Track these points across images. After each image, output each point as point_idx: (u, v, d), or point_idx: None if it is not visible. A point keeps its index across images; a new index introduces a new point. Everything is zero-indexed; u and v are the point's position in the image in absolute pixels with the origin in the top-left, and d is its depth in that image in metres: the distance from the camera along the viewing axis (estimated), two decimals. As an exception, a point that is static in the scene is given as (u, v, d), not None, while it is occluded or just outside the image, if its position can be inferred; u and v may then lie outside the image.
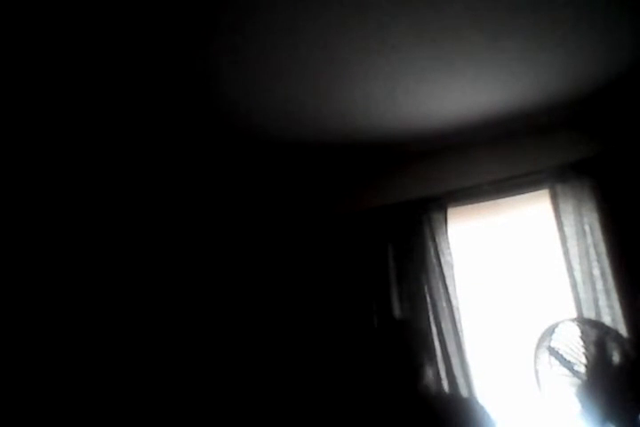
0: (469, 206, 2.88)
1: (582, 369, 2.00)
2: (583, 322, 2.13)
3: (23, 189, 2.79)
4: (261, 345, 3.00)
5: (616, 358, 1.98)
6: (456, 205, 2.86)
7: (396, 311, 2.78)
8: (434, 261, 2.77)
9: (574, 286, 2.53)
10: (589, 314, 2.45)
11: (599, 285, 2.48)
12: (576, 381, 2.01)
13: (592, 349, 2.00)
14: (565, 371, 2.04)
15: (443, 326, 2.67)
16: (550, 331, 2.09)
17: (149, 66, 2.12)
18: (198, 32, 1.95)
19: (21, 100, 2.22)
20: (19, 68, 2.04)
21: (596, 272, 2.50)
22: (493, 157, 2.83)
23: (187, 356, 3.01)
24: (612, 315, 2.43)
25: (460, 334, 2.65)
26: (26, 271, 2.91)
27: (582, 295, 2.50)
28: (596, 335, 2.02)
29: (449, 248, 2.78)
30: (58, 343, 2.89)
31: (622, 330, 2.34)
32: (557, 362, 2.05)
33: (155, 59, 2.09)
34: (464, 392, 2.56)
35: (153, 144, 2.69)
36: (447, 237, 2.79)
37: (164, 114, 2.45)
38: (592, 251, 2.53)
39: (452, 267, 2.75)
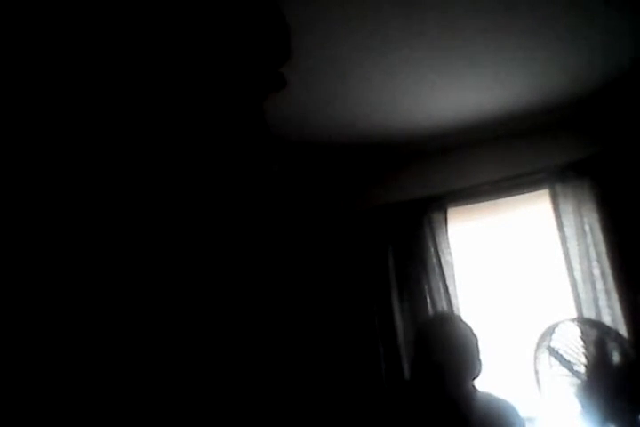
0: (469, 206, 2.88)
1: (582, 369, 2.00)
2: (583, 322, 2.13)
3: (25, 189, 2.79)
4: (259, 345, 3.00)
5: (616, 358, 1.98)
6: (456, 205, 2.86)
7: (396, 311, 2.78)
8: (434, 261, 2.77)
9: (574, 286, 2.53)
10: (589, 314, 2.45)
11: (599, 285, 2.48)
12: (576, 381, 2.01)
13: (592, 349, 2.00)
14: (565, 371, 2.03)
15: (443, 326, 2.67)
16: (550, 331, 2.08)
17: (153, 69, 2.13)
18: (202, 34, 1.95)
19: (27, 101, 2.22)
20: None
21: (596, 272, 2.50)
22: (493, 157, 2.83)
23: (185, 354, 3.01)
24: (611, 315, 2.43)
25: (460, 334, 2.65)
26: (26, 272, 2.91)
27: (582, 295, 2.50)
28: (596, 335, 2.01)
29: (449, 248, 2.78)
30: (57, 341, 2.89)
31: (622, 330, 2.34)
32: (557, 362, 2.05)
33: (158, 61, 2.09)
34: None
35: (157, 146, 2.69)
36: (447, 237, 2.79)
37: (168, 114, 2.45)
38: (592, 251, 2.53)
39: (452, 267, 2.75)
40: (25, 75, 2.11)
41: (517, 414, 2.06)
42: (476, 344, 2.01)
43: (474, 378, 1.99)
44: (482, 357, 2.00)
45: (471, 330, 2.05)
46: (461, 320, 2.14)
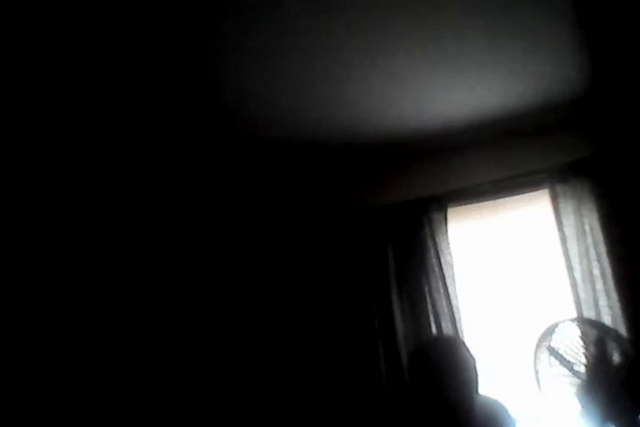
0: (469, 206, 2.88)
1: (582, 369, 2.00)
2: (583, 322, 2.13)
3: (25, 189, 2.79)
4: (259, 345, 3.00)
5: (616, 358, 1.98)
6: (456, 205, 2.86)
7: (396, 311, 2.78)
8: (434, 261, 2.76)
9: (574, 285, 2.53)
10: (589, 314, 2.45)
11: (599, 285, 2.48)
12: (576, 381, 2.01)
13: (592, 349, 2.00)
14: (565, 371, 2.03)
15: (443, 325, 2.67)
16: (550, 331, 2.09)
17: (153, 70, 2.13)
18: (203, 34, 1.95)
19: (24, 102, 2.22)
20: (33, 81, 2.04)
21: (596, 272, 2.50)
22: (493, 157, 2.83)
23: (186, 356, 3.01)
24: (611, 315, 2.43)
25: (460, 334, 2.65)
26: (26, 272, 2.91)
27: (582, 295, 2.50)
28: (596, 335, 2.02)
29: (449, 248, 2.78)
30: (58, 344, 2.89)
31: (622, 330, 2.34)
32: (557, 362, 2.05)
33: (158, 62, 2.09)
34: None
35: (157, 144, 2.69)
36: (447, 237, 2.79)
37: (168, 114, 2.45)
38: (592, 251, 2.53)
39: (451, 267, 2.75)
40: (25, 75, 2.09)
41: (509, 415, 2.07)
42: (474, 366, 2.03)
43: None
44: (479, 378, 2.03)
45: (469, 352, 2.08)
46: (461, 342, 2.16)
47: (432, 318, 2.70)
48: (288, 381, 2.92)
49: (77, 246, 3.07)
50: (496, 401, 2.11)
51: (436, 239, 2.78)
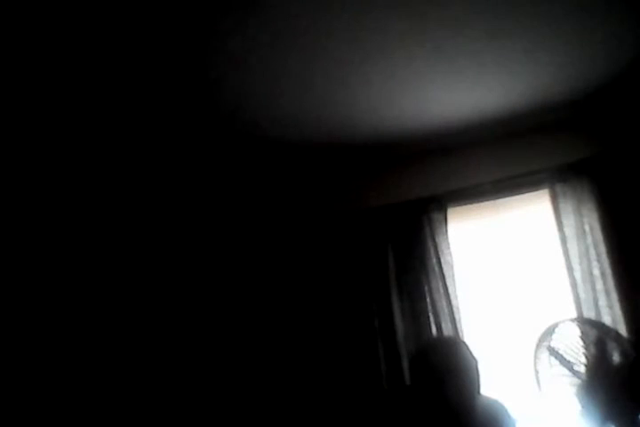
0: (469, 206, 2.88)
1: (582, 369, 2.00)
2: (583, 322, 2.13)
3: (25, 189, 2.79)
4: (259, 345, 3.00)
5: (616, 358, 1.98)
6: (456, 205, 2.86)
7: (396, 311, 2.78)
8: (434, 261, 2.76)
9: (574, 286, 2.53)
10: (589, 314, 2.45)
11: (599, 285, 2.48)
12: (576, 381, 2.01)
13: (592, 349, 2.00)
14: (565, 371, 2.03)
15: (443, 326, 2.67)
16: (550, 331, 2.09)
17: (153, 70, 2.13)
18: (203, 34, 1.95)
19: (26, 102, 2.23)
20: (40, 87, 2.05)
21: (596, 272, 2.50)
22: (493, 157, 2.83)
23: (186, 356, 3.01)
24: (611, 315, 2.43)
25: (460, 334, 2.65)
26: (26, 272, 2.91)
27: (582, 295, 2.50)
28: (596, 335, 2.02)
29: (449, 248, 2.78)
30: (58, 344, 2.89)
31: (622, 330, 2.34)
32: (557, 362, 2.05)
33: (158, 62, 2.09)
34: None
35: (158, 146, 2.69)
36: (447, 237, 2.79)
37: (169, 114, 2.45)
38: (592, 251, 2.53)
39: (451, 267, 2.75)
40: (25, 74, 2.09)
41: (509, 415, 2.07)
42: (476, 367, 2.03)
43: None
44: (481, 379, 2.02)
45: (471, 353, 2.07)
46: (462, 343, 2.16)
47: (432, 319, 2.70)
48: (288, 381, 2.92)
49: (77, 246, 3.07)
50: (496, 401, 2.11)
51: (436, 239, 2.78)
